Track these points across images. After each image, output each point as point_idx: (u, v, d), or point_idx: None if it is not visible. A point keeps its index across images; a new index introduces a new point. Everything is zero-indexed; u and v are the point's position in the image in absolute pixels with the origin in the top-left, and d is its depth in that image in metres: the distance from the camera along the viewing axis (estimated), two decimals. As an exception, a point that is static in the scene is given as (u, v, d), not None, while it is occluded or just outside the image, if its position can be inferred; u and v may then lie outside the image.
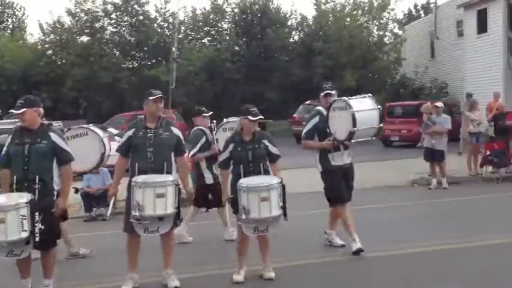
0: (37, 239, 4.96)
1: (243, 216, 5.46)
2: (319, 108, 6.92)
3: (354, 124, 6.41)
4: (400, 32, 31.33)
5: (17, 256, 5.05)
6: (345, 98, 6.70)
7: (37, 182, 5.15)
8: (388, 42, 30.54)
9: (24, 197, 4.98)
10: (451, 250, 6.71)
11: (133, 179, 5.42)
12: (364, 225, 7.26)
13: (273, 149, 5.92)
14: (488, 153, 12.76)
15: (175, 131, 5.73)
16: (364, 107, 6.71)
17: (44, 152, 5.22)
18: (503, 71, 20.93)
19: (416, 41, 29.93)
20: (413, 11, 51.85)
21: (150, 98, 5.67)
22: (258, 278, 5.87)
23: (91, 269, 6.73)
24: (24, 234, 4.89)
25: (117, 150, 5.83)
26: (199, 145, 7.46)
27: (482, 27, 22.22)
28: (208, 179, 7.56)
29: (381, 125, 7.16)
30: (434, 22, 28.13)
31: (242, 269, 5.87)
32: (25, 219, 4.89)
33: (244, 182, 5.55)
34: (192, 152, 7.31)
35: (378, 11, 29.63)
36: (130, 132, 5.66)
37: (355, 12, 30.12)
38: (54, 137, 5.31)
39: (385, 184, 12.70)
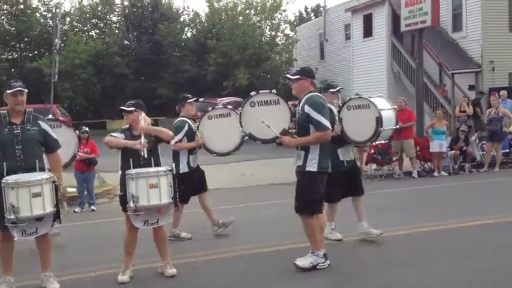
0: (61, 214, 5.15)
1: (132, 205, 5.28)
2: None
3: (380, 123, 6.10)
4: (292, 33, 32.12)
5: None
6: (365, 96, 6.47)
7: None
8: (280, 42, 31.19)
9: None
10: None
11: (3, 180, 5.00)
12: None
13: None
14: (372, 151, 13.23)
15: (43, 125, 5.37)
16: (384, 106, 6.42)
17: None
18: (386, 74, 22.07)
19: (307, 43, 30.87)
20: (304, 13, 53.57)
21: (8, 91, 5.23)
22: (159, 276, 5.68)
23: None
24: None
25: None
26: (182, 133, 7.09)
27: (368, 31, 23.30)
28: (183, 168, 7.14)
29: (397, 126, 6.98)
30: (324, 25, 29.22)
31: (128, 269, 5.61)
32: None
33: (133, 170, 5.39)
34: (174, 140, 6.61)
35: (270, 12, 30.16)
36: None
37: (247, 11, 30.36)
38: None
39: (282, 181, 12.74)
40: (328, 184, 5.77)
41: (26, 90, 5.31)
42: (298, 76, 5.69)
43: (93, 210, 10.61)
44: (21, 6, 30.54)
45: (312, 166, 5.52)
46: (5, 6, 30.50)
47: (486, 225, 7.34)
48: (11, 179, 5.00)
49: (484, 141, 14.26)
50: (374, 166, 13.47)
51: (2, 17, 30.84)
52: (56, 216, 5.20)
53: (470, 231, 7.14)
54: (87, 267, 6.12)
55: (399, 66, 21.57)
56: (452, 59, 19.40)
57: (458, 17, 20.42)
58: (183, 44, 32.00)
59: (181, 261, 6.05)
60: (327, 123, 5.47)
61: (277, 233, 7.34)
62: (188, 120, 7.27)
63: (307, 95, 5.59)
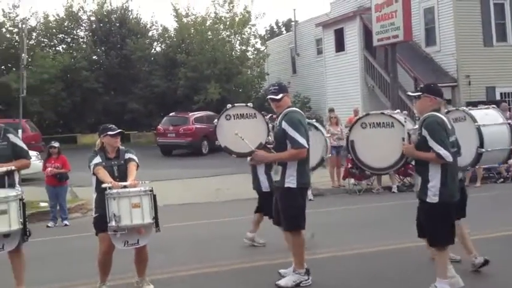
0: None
1: (114, 224, 5.22)
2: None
3: (481, 143, 5.19)
4: (263, 48, 32.19)
5: None
6: (464, 107, 5.65)
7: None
8: (251, 57, 31.20)
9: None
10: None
11: None
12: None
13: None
14: (350, 166, 13.10)
15: (12, 138, 5.38)
16: (491, 120, 5.33)
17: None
18: (360, 88, 22.18)
19: (279, 57, 31.04)
20: (275, 27, 53.84)
21: None
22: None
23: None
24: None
25: None
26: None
27: (340, 46, 23.46)
28: (265, 185, 6.99)
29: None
30: (295, 39, 29.40)
31: (104, 285, 5.61)
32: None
33: (114, 189, 5.35)
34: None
35: (239, 26, 30.12)
36: None
37: (216, 25, 30.37)
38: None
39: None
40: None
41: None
42: (281, 95, 5.59)
43: (66, 225, 10.50)
44: (-14, 22, 29.99)
45: (291, 182, 5.43)
46: (-29, 21, 29.89)
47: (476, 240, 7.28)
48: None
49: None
50: (352, 181, 13.36)
51: (-32, 32, 30.18)
52: (24, 233, 5.16)
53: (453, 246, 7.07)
54: (61, 282, 6.10)
55: (373, 80, 21.72)
56: (427, 73, 19.43)
57: (432, 32, 20.64)
58: (152, 58, 31.88)
59: (156, 277, 6.00)
60: (302, 140, 5.37)
61: (256, 249, 7.29)
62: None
63: (285, 110, 5.53)
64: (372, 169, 5.58)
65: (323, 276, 5.79)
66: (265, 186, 7.07)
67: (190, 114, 23.84)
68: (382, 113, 5.55)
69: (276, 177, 5.52)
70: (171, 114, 24.26)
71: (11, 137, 5.34)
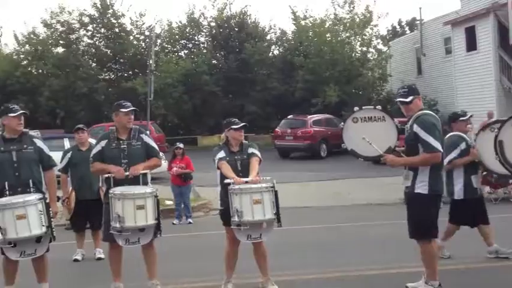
0: (54, 233, 5.25)
1: (236, 219, 5.42)
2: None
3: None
4: (385, 48, 31.21)
5: (31, 256, 5.22)
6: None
7: (31, 186, 5.34)
8: (372, 58, 30.39)
9: (34, 195, 5.22)
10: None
11: (110, 191, 5.44)
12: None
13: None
14: (485, 173, 12.07)
15: (146, 138, 5.78)
16: None
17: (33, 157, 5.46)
18: (495, 90, 20.56)
19: (402, 58, 29.90)
20: (398, 27, 52.05)
21: (122, 110, 5.70)
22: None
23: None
24: (44, 229, 5.11)
25: (92, 158, 5.80)
26: (455, 152, 6.70)
27: (471, 44, 21.98)
28: (458, 194, 6.81)
29: None
30: (420, 39, 28.10)
31: (230, 282, 5.79)
32: (42, 214, 5.13)
33: (236, 185, 5.54)
34: (448, 158, 6.52)
35: (360, 27, 29.41)
36: (103, 143, 5.70)
37: (336, 27, 29.88)
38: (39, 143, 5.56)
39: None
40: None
41: (137, 110, 5.88)
42: (412, 97, 5.34)
43: (190, 223, 10.88)
44: (117, 30, 32.01)
45: (422, 188, 5.18)
46: (103, 30, 32.07)
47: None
48: (117, 190, 5.35)
49: None
50: (487, 189, 12.22)
51: (100, 41, 32.45)
52: (157, 228, 5.50)
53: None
54: (189, 277, 6.39)
55: (510, 81, 20.02)
56: None
57: None
58: (269, 62, 32.14)
59: (281, 278, 6.01)
60: (435, 144, 5.10)
61: (383, 255, 7.10)
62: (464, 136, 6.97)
63: (417, 113, 5.29)
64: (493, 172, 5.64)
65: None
66: (458, 194, 6.73)
67: (308, 117, 23.60)
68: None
69: (407, 183, 5.35)
70: (289, 116, 24.22)
71: (145, 137, 5.73)
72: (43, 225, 5.10)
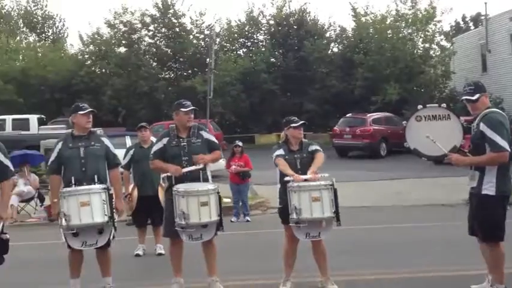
0: (116, 225, 5.41)
1: (295, 216, 5.42)
2: None
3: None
4: (448, 45, 30.25)
5: (92, 246, 5.37)
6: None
7: (96, 181, 5.44)
8: (434, 55, 29.55)
9: (98, 185, 5.37)
10: None
11: (174, 188, 5.51)
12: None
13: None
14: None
15: (205, 134, 5.87)
16: None
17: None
18: None
19: (466, 54, 28.92)
20: (462, 22, 50.33)
21: (182, 109, 5.78)
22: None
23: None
24: (106, 218, 5.27)
25: (152, 155, 5.91)
26: None
27: (540, 40, 20.88)
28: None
29: None
30: (486, 35, 27.12)
31: (289, 281, 5.76)
32: (105, 203, 5.30)
33: (295, 183, 5.56)
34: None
35: (422, 23, 28.61)
36: (165, 141, 5.79)
37: (397, 23, 29.24)
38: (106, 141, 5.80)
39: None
40: None
41: (196, 109, 5.94)
42: (478, 95, 5.16)
43: (247, 220, 10.94)
44: (177, 29, 32.53)
45: (489, 189, 5.00)
46: (164, 29, 32.68)
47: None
48: (180, 188, 5.43)
49: None
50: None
51: (161, 40, 33.09)
52: (219, 224, 5.57)
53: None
54: (248, 275, 6.45)
55: None
56: None
57: None
58: (328, 59, 31.77)
59: (341, 278, 5.97)
60: (502, 143, 4.91)
61: (446, 256, 6.99)
62: None
63: (484, 111, 5.11)
64: None
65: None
66: None
67: (368, 115, 23.19)
68: None
69: (473, 183, 5.18)
70: (347, 115, 23.84)
71: (204, 133, 5.81)
72: (105, 215, 5.26)
